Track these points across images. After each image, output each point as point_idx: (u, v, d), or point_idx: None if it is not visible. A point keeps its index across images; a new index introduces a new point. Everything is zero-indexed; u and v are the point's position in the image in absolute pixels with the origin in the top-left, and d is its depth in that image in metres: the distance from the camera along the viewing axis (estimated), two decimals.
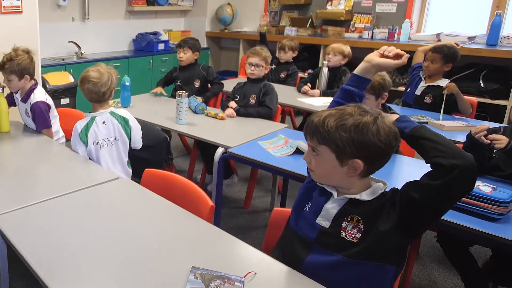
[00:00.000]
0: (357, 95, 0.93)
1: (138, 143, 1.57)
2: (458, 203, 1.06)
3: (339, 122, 0.78)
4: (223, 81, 2.47)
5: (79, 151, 1.46)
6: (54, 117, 1.71)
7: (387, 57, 0.90)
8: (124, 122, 1.52)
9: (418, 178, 0.78)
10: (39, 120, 1.62)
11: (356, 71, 0.93)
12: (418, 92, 2.13)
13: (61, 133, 1.76)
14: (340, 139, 0.77)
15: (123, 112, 1.54)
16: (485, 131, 1.22)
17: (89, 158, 1.49)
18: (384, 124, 0.78)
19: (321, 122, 0.79)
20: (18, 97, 1.69)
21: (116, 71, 1.53)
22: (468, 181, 0.74)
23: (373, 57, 0.91)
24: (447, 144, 0.76)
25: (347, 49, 2.47)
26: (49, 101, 1.67)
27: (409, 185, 0.79)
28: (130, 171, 1.56)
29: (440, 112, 1.93)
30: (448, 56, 2.05)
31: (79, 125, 1.48)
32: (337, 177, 0.82)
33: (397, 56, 0.89)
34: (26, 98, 1.64)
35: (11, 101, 1.72)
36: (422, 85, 2.13)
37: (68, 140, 1.83)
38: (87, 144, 1.46)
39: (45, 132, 1.65)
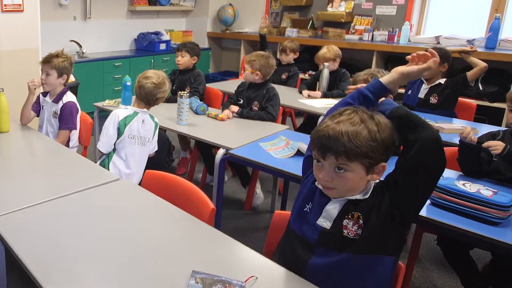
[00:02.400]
0: (372, 102, 0.91)
1: (154, 146, 1.63)
2: (459, 206, 1.08)
3: (366, 133, 0.77)
4: (224, 82, 2.45)
5: (107, 137, 1.50)
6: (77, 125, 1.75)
7: (413, 61, 0.89)
8: (155, 127, 1.61)
9: None
10: (67, 118, 1.67)
11: (382, 79, 0.92)
12: (421, 95, 2.16)
13: (77, 143, 1.78)
14: (371, 149, 0.77)
15: (155, 118, 1.63)
16: (471, 132, 1.24)
17: (114, 149, 1.54)
18: (381, 117, 0.81)
19: (345, 138, 0.76)
20: (48, 100, 1.72)
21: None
22: (432, 152, 0.76)
23: (399, 67, 0.91)
24: (416, 121, 0.79)
25: (331, 53, 2.42)
26: (79, 106, 1.74)
27: (391, 172, 0.83)
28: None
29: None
30: (441, 57, 2.07)
31: (121, 113, 1.53)
32: (358, 187, 0.82)
33: (423, 58, 0.88)
34: (58, 99, 1.70)
35: (36, 110, 1.75)
36: (425, 87, 2.15)
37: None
38: (122, 134, 1.52)
39: (63, 133, 1.67)
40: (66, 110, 1.67)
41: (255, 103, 1.95)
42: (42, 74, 1.68)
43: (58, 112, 1.68)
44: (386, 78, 0.92)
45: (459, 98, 2.19)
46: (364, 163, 0.78)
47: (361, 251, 0.80)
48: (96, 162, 1.54)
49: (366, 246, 0.80)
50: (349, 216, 0.81)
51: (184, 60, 2.26)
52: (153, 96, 1.53)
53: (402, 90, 2.77)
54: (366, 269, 0.81)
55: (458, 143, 1.31)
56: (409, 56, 0.90)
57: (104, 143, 1.52)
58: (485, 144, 1.24)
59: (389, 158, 0.80)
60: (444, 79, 2.12)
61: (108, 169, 1.52)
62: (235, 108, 1.95)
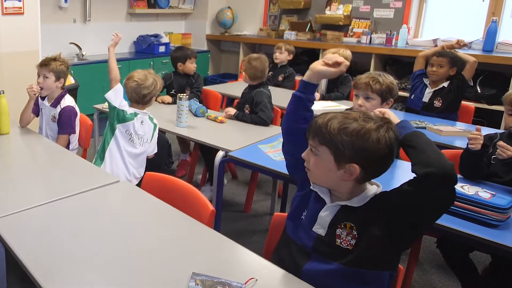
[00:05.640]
0: (306, 99, 0.94)
1: (153, 148, 1.64)
2: (457, 209, 1.08)
3: (342, 125, 0.79)
4: (223, 84, 2.47)
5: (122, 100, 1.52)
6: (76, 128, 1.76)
7: (327, 64, 0.92)
8: (154, 128, 1.63)
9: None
10: (66, 123, 1.67)
11: (304, 77, 0.96)
12: (425, 99, 2.16)
13: (77, 145, 1.79)
14: (341, 142, 0.79)
15: (154, 119, 1.65)
16: (478, 140, 1.22)
17: (111, 139, 1.53)
18: (386, 133, 0.79)
19: (325, 123, 0.81)
20: (46, 103, 1.72)
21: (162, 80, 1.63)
22: (442, 189, 0.74)
23: (316, 65, 0.94)
24: (428, 152, 0.76)
25: (342, 55, 2.40)
26: (77, 110, 1.75)
27: (394, 190, 0.81)
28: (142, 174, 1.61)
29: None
30: (453, 60, 2.09)
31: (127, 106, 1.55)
32: (332, 180, 0.83)
33: (336, 64, 0.92)
34: (56, 103, 1.70)
35: (35, 111, 1.74)
36: (429, 91, 2.16)
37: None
38: (122, 120, 1.53)
39: (62, 138, 1.67)
40: (65, 115, 1.67)
41: (247, 106, 1.97)
42: (39, 77, 1.67)
43: (57, 117, 1.69)
44: (306, 76, 0.95)
45: None
46: (332, 150, 0.80)
47: (354, 265, 0.80)
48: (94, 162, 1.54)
49: (359, 260, 0.79)
50: (342, 226, 0.81)
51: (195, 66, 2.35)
52: (138, 94, 1.54)
53: (405, 94, 2.78)
54: (360, 281, 0.80)
55: (456, 145, 1.31)
56: (326, 60, 0.92)
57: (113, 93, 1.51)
58: (499, 143, 1.22)
59: (368, 166, 0.79)
60: (448, 82, 2.12)
61: (104, 157, 1.52)
62: (232, 111, 1.95)
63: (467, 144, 1.27)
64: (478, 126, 1.30)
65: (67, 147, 1.71)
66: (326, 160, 0.81)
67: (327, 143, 0.80)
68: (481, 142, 1.23)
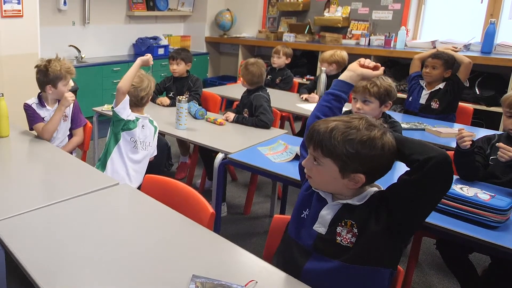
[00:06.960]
0: (343, 98, 0.98)
1: (154, 151, 1.65)
2: (457, 210, 1.08)
3: (346, 136, 0.78)
4: (222, 86, 2.46)
5: (126, 111, 1.51)
6: None
7: (367, 67, 0.97)
8: (155, 131, 1.64)
9: None
10: (80, 115, 1.75)
11: (341, 78, 0.99)
12: (422, 100, 2.17)
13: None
14: (346, 154, 0.78)
15: (154, 122, 1.65)
16: (465, 137, 1.23)
17: (115, 146, 1.53)
18: (389, 139, 0.79)
19: (327, 134, 0.79)
20: (50, 108, 1.71)
21: (154, 79, 1.64)
22: (443, 173, 0.75)
23: (357, 67, 0.99)
24: (419, 143, 0.79)
25: (339, 56, 2.43)
26: None
27: (392, 185, 0.82)
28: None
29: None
30: (448, 62, 2.10)
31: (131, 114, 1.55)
32: (336, 186, 0.83)
33: (375, 68, 0.98)
34: None
35: (31, 113, 1.68)
36: (425, 93, 2.17)
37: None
38: (131, 128, 1.54)
39: (81, 131, 1.74)
40: (77, 108, 1.75)
41: (245, 110, 1.98)
42: (68, 85, 1.69)
43: (69, 114, 1.72)
44: (345, 76, 0.99)
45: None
46: (336, 162, 0.80)
47: (354, 261, 0.80)
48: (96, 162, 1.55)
49: (360, 257, 0.80)
50: (342, 224, 0.82)
51: (180, 68, 2.32)
52: (137, 97, 1.56)
53: (404, 96, 2.79)
54: (360, 279, 0.81)
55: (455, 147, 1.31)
56: (366, 63, 0.98)
57: (121, 106, 1.49)
58: (499, 144, 1.22)
59: (373, 173, 0.80)
60: (444, 83, 2.13)
61: (106, 165, 1.52)
62: (231, 116, 1.96)
63: (456, 143, 1.28)
64: (460, 128, 1.32)
65: (72, 152, 1.71)
66: (330, 171, 0.81)
67: (331, 155, 0.79)
68: (469, 139, 1.23)
